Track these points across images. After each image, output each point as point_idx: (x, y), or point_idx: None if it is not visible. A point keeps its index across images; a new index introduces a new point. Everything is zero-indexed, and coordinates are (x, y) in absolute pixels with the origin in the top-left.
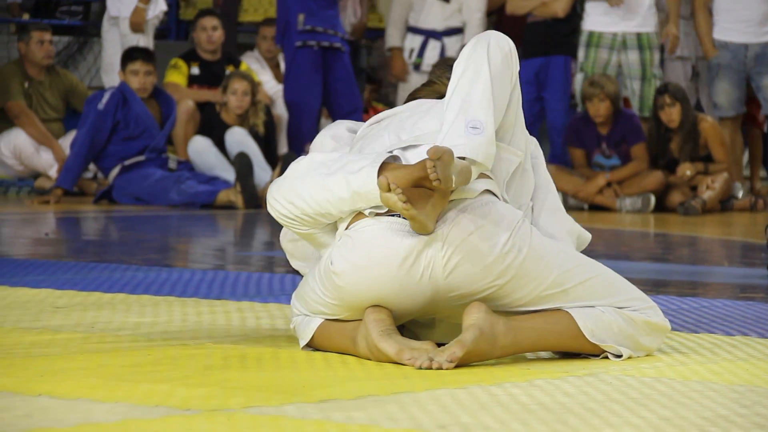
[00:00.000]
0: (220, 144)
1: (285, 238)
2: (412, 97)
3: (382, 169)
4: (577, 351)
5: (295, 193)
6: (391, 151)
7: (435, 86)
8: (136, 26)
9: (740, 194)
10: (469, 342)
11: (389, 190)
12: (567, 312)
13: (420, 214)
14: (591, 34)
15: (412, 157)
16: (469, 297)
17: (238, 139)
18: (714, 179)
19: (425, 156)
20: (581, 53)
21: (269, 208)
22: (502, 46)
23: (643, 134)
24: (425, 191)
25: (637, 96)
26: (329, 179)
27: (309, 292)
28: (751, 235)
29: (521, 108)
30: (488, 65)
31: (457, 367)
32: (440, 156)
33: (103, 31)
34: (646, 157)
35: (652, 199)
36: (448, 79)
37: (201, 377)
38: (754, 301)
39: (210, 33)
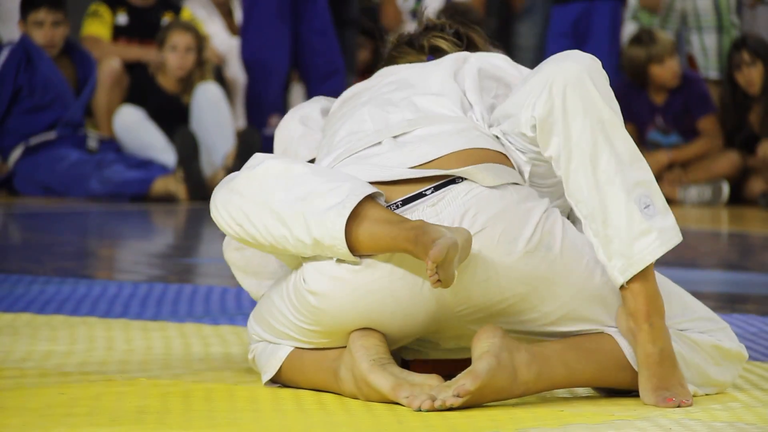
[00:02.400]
0: (156, 117)
1: (230, 246)
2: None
3: (359, 209)
4: (625, 387)
5: (243, 215)
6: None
7: (398, 62)
8: None
9: None
10: (484, 373)
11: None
12: (609, 335)
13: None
14: None
15: (407, 152)
16: (484, 311)
17: (212, 99)
18: None
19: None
20: None
21: (213, 217)
22: (603, 76)
23: (713, 104)
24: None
25: (711, 53)
26: (287, 211)
27: (275, 313)
28: None
29: None
30: (608, 106)
31: (466, 408)
32: (445, 256)
33: None
34: (718, 133)
35: (725, 187)
36: (429, 50)
37: (132, 422)
38: None
39: None
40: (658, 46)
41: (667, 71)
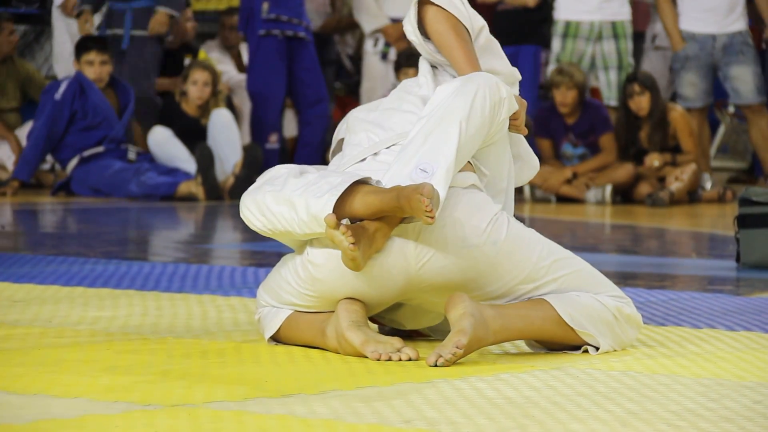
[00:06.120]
0: (181, 135)
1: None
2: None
3: (349, 192)
4: (561, 340)
5: (265, 206)
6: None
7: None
8: (65, 8)
9: (708, 185)
10: (470, 327)
11: (336, 227)
12: (545, 300)
13: (360, 255)
14: (568, 24)
15: (379, 169)
16: (442, 288)
17: (224, 121)
18: (683, 171)
19: (399, 178)
20: (557, 44)
21: (242, 214)
22: (492, 95)
23: (611, 124)
24: (364, 229)
25: (614, 86)
26: (296, 197)
27: (281, 282)
28: (719, 227)
29: (507, 144)
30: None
31: (421, 359)
32: (433, 196)
33: (53, 19)
34: (614, 148)
35: (608, 189)
36: None
37: (162, 372)
38: (722, 293)
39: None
40: (564, 77)
41: (560, 96)
